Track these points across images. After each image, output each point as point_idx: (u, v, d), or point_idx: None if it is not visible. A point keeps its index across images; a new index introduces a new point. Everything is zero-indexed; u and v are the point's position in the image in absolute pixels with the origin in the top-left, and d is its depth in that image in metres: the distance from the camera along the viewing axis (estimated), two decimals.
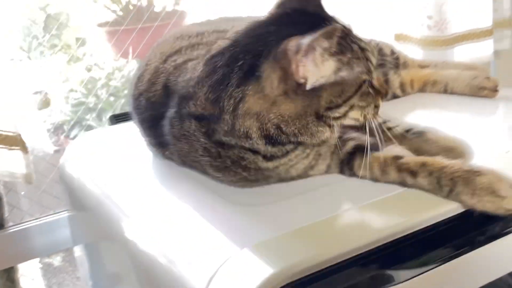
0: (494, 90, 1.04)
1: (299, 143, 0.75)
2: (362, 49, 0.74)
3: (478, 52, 1.58)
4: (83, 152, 1.02)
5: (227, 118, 0.73)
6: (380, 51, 1.12)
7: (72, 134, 1.86)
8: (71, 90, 1.91)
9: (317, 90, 0.71)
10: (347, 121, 0.76)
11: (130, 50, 1.91)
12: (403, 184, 0.74)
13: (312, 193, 0.75)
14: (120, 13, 1.85)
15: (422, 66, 1.17)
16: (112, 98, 1.90)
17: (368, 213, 0.69)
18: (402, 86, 1.11)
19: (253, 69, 0.71)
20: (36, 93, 1.86)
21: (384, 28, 1.47)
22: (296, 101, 0.71)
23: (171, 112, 0.81)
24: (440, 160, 0.73)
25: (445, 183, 0.70)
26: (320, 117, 0.73)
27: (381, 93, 0.77)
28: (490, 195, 0.67)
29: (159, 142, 0.86)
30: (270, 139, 0.74)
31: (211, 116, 0.74)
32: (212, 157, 0.77)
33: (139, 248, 0.73)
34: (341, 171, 0.81)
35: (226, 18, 1.12)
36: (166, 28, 1.73)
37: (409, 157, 0.76)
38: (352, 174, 0.79)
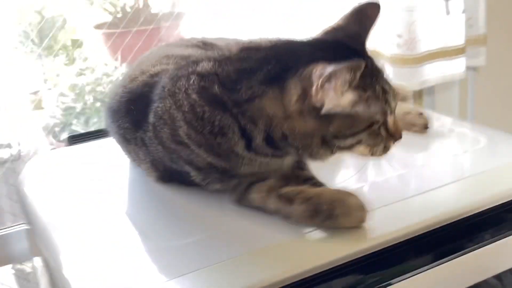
0: (425, 127, 1.06)
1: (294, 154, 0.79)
2: (384, 91, 0.76)
3: (450, 69, 1.60)
4: (40, 171, 1.08)
5: (240, 97, 0.76)
6: None
7: (62, 137, 1.92)
8: (61, 94, 1.96)
9: (330, 117, 0.74)
10: (353, 153, 0.79)
11: (119, 54, 1.96)
12: (279, 212, 0.77)
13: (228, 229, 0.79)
14: (120, 15, 1.87)
15: None
16: (98, 104, 1.94)
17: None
18: None
19: (279, 78, 0.75)
20: (32, 93, 1.92)
21: None
22: (308, 121, 0.75)
23: (162, 83, 0.84)
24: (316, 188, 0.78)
25: (324, 207, 0.73)
26: (325, 142, 0.76)
27: (394, 137, 0.80)
28: (360, 211, 0.73)
29: (137, 122, 0.88)
30: (269, 139, 0.77)
31: (222, 79, 0.77)
32: (194, 117, 0.78)
33: (60, 271, 0.77)
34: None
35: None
36: (163, 30, 1.77)
37: (288, 187, 0.79)
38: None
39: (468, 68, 1.71)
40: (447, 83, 1.70)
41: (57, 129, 1.93)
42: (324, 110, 0.73)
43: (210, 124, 0.78)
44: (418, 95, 1.77)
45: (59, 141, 1.89)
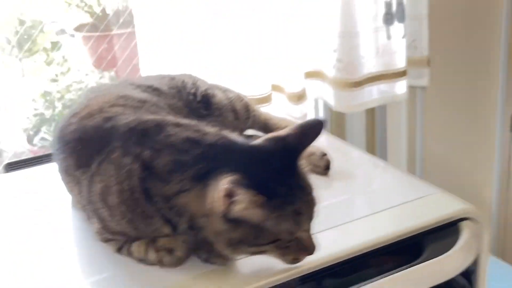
0: (326, 168, 1.11)
1: None
2: (297, 213, 0.78)
3: (391, 91, 1.67)
4: None
5: (170, 191, 0.81)
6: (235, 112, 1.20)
7: (35, 141, 1.99)
8: (33, 100, 2.02)
9: (237, 223, 0.77)
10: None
11: (92, 59, 2.00)
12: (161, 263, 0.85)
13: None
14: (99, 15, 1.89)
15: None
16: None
17: None
18: None
19: (205, 177, 0.79)
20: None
21: (293, 65, 1.55)
22: (218, 222, 0.78)
23: (112, 143, 0.87)
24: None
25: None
26: (231, 244, 0.79)
27: (308, 251, 0.81)
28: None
29: (81, 165, 0.92)
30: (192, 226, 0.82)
31: (154, 175, 0.82)
32: (130, 198, 0.84)
33: None
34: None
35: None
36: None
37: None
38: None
39: (416, 87, 1.78)
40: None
41: (31, 133, 2.00)
42: (230, 216, 0.77)
43: (140, 209, 0.84)
44: (371, 111, 1.83)
45: (32, 145, 1.97)
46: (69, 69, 2.01)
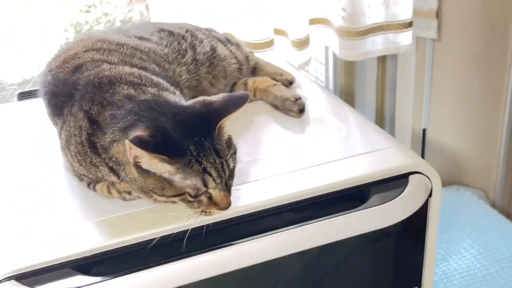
0: (300, 112, 1.19)
1: None
2: (205, 170, 0.84)
3: (396, 42, 1.69)
4: None
5: (106, 141, 0.91)
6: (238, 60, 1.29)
7: None
8: (65, 30, 2.13)
9: (147, 173, 0.85)
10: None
11: None
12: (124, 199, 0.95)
13: None
14: None
15: (274, 77, 1.32)
16: None
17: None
18: None
19: (131, 129, 0.87)
20: None
21: (297, 11, 1.58)
22: (133, 170, 0.87)
23: (75, 96, 0.98)
24: None
25: None
26: (144, 191, 0.88)
27: (218, 206, 0.87)
28: None
29: (56, 113, 1.04)
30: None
31: (98, 128, 0.92)
32: (81, 150, 0.95)
33: None
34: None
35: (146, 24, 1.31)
36: None
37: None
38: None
39: (426, 39, 1.80)
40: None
41: None
42: (142, 167, 0.85)
43: (89, 159, 0.95)
44: (382, 61, 1.86)
45: None
46: (101, 1, 2.08)
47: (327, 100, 1.29)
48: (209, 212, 0.88)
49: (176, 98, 0.95)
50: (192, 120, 0.88)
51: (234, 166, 0.90)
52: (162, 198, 0.87)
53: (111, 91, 0.94)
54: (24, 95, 1.34)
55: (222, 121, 0.88)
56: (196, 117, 0.88)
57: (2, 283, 0.83)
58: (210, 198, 0.87)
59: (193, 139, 0.85)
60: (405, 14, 1.63)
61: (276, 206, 0.95)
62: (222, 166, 0.87)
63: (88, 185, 1.00)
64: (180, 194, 0.86)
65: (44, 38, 2.01)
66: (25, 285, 0.83)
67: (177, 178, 0.85)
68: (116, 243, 0.88)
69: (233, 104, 0.89)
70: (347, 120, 1.19)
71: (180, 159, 0.84)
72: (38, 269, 0.85)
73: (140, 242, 0.89)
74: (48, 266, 0.85)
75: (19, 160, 1.13)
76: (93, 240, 0.89)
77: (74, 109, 0.97)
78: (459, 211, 1.85)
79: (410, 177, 1.01)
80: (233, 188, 0.91)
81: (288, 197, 0.95)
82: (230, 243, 0.91)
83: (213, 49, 1.25)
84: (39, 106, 1.14)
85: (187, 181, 0.85)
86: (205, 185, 0.86)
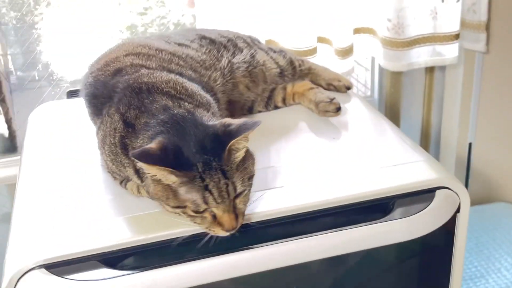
0: (337, 110, 1.21)
1: None
2: (207, 189, 0.86)
3: (442, 54, 1.67)
4: (43, 120, 1.36)
5: (136, 145, 0.94)
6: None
7: None
8: (120, 31, 2.20)
9: (155, 181, 0.89)
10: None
11: None
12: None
13: None
14: None
15: (331, 83, 1.36)
16: None
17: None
18: (283, 100, 1.30)
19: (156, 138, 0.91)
20: None
21: (342, 20, 1.60)
22: (146, 177, 0.92)
23: (113, 98, 1.03)
24: None
25: None
26: (155, 198, 0.91)
27: (223, 227, 0.88)
28: None
29: (96, 114, 1.10)
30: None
31: (132, 132, 0.96)
32: (113, 151, 1.00)
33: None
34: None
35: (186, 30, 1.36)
36: None
37: None
38: None
39: (475, 52, 1.77)
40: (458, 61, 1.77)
41: None
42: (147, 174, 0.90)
43: (120, 159, 0.99)
44: (430, 70, 1.85)
45: None
46: (158, 4, 2.12)
47: (362, 110, 1.29)
48: (213, 231, 0.89)
49: (208, 115, 0.97)
50: (207, 139, 0.89)
51: (245, 191, 0.90)
52: (168, 208, 0.90)
53: (150, 98, 0.98)
54: (73, 94, 1.41)
55: (231, 142, 0.88)
56: (213, 136, 0.90)
57: (33, 271, 0.88)
58: (214, 217, 0.89)
59: (203, 157, 0.87)
60: (452, 26, 1.61)
61: (298, 214, 0.96)
62: (227, 188, 0.88)
63: (120, 183, 1.04)
64: (182, 206, 0.89)
65: (100, 38, 2.10)
66: (54, 274, 0.88)
67: (182, 191, 0.88)
68: (142, 240, 0.92)
69: (245, 128, 0.89)
70: (380, 132, 1.20)
71: (186, 173, 0.87)
72: (67, 260, 0.89)
73: (165, 240, 0.92)
74: (76, 258, 0.90)
75: (61, 156, 1.19)
76: (120, 235, 0.93)
77: (111, 111, 1.02)
78: (502, 229, 1.81)
79: (437, 192, 1.01)
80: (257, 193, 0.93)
81: (311, 205, 0.97)
82: (250, 246, 0.93)
83: (252, 56, 1.27)
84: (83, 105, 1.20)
85: (189, 195, 0.87)
86: (206, 203, 0.87)
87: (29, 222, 0.98)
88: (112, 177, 1.06)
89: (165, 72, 1.07)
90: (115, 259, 0.91)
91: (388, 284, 1.10)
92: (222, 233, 0.89)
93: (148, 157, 0.87)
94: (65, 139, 1.25)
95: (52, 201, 1.03)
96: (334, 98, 1.22)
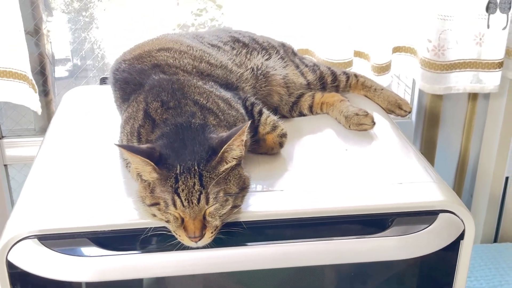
0: (372, 123, 1.21)
1: None
2: (177, 195, 0.87)
3: (483, 81, 1.62)
4: (77, 101, 1.41)
5: (150, 138, 0.97)
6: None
7: None
8: (173, 29, 2.25)
9: (142, 178, 0.92)
10: None
11: None
12: None
13: None
14: None
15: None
16: None
17: None
18: (310, 107, 1.31)
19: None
20: None
21: (383, 37, 1.58)
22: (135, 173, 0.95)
23: (144, 86, 1.07)
24: None
25: None
26: (137, 196, 0.94)
27: (186, 232, 0.88)
28: None
29: (124, 98, 1.13)
30: None
31: (151, 123, 0.99)
32: (131, 131, 1.04)
33: None
34: None
35: (216, 30, 1.40)
36: None
37: None
38: None
39: None
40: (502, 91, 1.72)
41: None
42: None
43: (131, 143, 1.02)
44: (473, 98, 1.80)
45: None
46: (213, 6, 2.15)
47: (382, 125, 1.27)
48: (179, 236, 0.89)
49: (224, 130, 0.99)
50: (201, 147, 0.91)
51: (216, 205, 0.89)
52: (146, 208, 0.91)
53: (177, 96, 1.01)
54: (105, 80, 1.45)
55: (224, 148, 0.89)
56: (207, 146, 0.91)
57: (26, 240, 0.91)
58: (183, 220, 0.89)
59: (186, 160, 0.88)
60: (497, 53, 1.57)
61: (291, 218, 0.96)
62: (199, 196, 0.87)
63: (126, 165, 1.06)
64: (156, 204, 0.89)
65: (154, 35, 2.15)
66: (45, 246, 0.91)
67: (157, 189, 0.89)
68: (135, 224, 0.93)
69: (235, 131, 0.90)
70: (395, 149, 1.17)
71: (164, 171, 0.88)
72: (60, 233, 0.92)
73: (160, 227, 0.93)
74: (68, 233, 0.92)
75: (83, 137, 1.22)
76: (116, 217, 0.95)
77: (140, 97, 1.05)
78: None
79: (440, 215, 0.98)
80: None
81: (306, 211, 0.96)
82: (240, 244, 0.93)
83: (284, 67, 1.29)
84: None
85: (162, 194, 0.88)
86: (174, 205, 0.88)
87: (35, 195, 1.02)
88: (122, 158, 1.08)
89: (198, 77, 1.11)
90: (107, 240, 0.93)
91: None
92: (186, 241, 0.89)
93: (133, 148, 0.90)
94: (91, 122, 1.29)
95: (62, 178, 1.07)
96: (368, 113, 1.22)
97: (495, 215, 1.91)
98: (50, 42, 1.75)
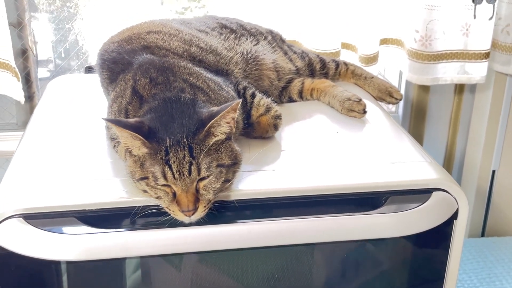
0: (363, 112, 1.19)
1: None
2: (170, 168, 0.85)
3: (469, 72, 1.63)
4: (62, 89, 1.38)
5: (137, 114, 0.95)
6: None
7: None
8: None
9: (131, 153, 0.90)
10: None
11: None
12: None
13: None
14: None
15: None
16: None
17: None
18: (300, 93, 1.30)
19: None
20: None
21: (368, 28, 1.58)
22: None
23: (133, 65, 1.05)
24: None
25: None
26: (127, 172, 0.92)
27: (180, 207, 0.86)
28: None
29: (111, 79, 1.11)
30: None
31: (138, 99, 0.98)
32: (117, 111, 1.01)
33: None
34: None
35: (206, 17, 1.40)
36: None
37: None
38: None
39: (506, 75, 1.72)
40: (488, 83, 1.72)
41: None
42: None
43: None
44: (459, 91, 1.80)
45: None
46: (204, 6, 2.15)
47: (376, 115, 1.25)
48: (173, 211, 0.87)
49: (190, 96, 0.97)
50: (190, 121, 0.89)
51: (210, 176, 0.87)
52: (136, 182, 0.89)
53: (164, 76, 0.99)
54: (90, 69, 1.43)
55: (211, 122, 0.87)
56: (196, 119, 0.89)
57: (11, 219, 0.88)
58: (174, 195, 0.87)
59: (175, 133, 0.87)
60: (483, 44, 1.57)
61: (283, 197, 0.94)
62: (190, 166, 0.86)
63: (114, 146, 1.04)
64: (145, 178, 0.88)
65: None
66: (31, 225, 0.88)
67: (147, 163, 0.87)
68: (123, 202, 0.91)
69: (225, 107, 0.89)
70: (386, 131, 1.17)
71: (154, 144, 0.87)
72: (45, 212, 0.89)
73: (148, 206, 0.90)
74: (54, 212, 0.90)
75: (68, 122, 1.20)
76: (103, 195, 0.92)
77: (128, 76, 1.03)
78: None
79: (434, 193, 0.97)
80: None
81: (298, 190, 0.95)
82: (235, 221, 0.92)
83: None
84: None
85: (152, 168, 0.86)
86: (164, 177, 0.86)
87: (20, 175, 0.99)
88: (111, 139, 1.06)
89: (189, 59, 1.09)
90: (95, 219, 0.90)
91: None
92: (180, 216, 0.87)
93: (121, 122, 0.88)
94: (77, 108, 1.26)
95: (47, 159, 1.04)
96: (361, 99, 1.20)
97: (482, 209, 1.91)
98: (33, 34, 1.73)
